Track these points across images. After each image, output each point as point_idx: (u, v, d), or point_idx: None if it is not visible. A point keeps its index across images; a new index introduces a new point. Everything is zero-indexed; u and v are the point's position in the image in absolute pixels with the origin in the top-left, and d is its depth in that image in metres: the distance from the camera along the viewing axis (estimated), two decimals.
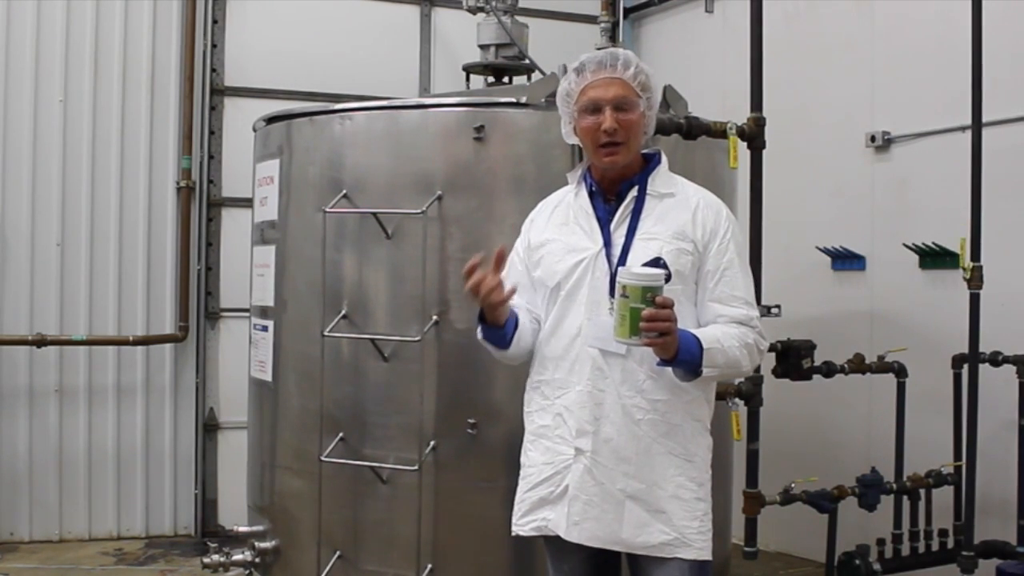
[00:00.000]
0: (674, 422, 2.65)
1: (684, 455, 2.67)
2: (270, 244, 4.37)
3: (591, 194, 2.78)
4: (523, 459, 2.82)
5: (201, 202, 6.27)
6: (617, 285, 2.45)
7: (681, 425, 2.66)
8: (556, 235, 2.78)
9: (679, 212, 2.71)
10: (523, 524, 2.77)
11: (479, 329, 2.78)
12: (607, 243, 2.69)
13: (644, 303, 2.41)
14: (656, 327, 2.42)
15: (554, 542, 2.76)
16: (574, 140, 2.80)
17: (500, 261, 2.63)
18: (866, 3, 5.54)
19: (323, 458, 3.93)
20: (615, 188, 2.75)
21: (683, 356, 2.53)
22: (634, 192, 2.73)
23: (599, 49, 2.81)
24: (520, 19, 4.91)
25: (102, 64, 6.07)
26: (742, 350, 2.64)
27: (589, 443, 2.64)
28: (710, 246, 2.68)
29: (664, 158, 2.82)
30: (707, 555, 2.65)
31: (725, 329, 2.63)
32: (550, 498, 2.71)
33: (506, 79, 4.90)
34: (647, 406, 2.63)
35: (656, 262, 2.60)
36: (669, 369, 2.60)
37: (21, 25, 5.91)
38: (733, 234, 2.74)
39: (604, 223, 2.72)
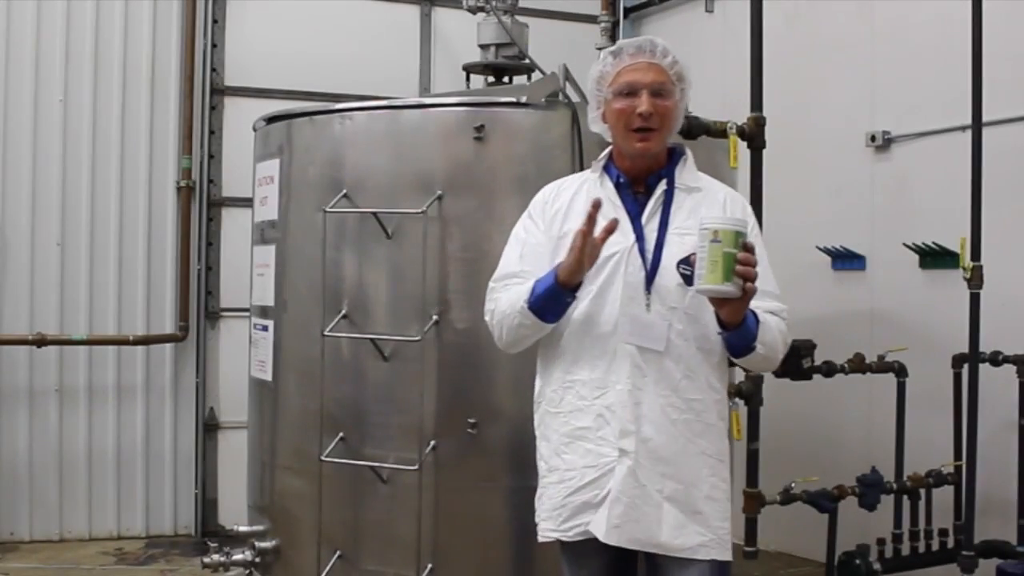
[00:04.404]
0: (708, 421, 2.62)
1: (717, 455, 2.64)
2: (270, 244, 4.37)
3: (617, 186, 2.69)
4: (555, 462, 2.68)
5: (201, 202, 6.27)
6: (705, 231, 2.38)
7: (714, 424, 2.63)
8: (579, 225, 2.60)
9: (710, 207, 2.65)
10: (566, 530, 2.65)
11: (544, 292, 2.56)
12: (639, 237, 2.61)
13: (737, 248, 2.36)
14: (749, 272, 2.37)
15: (573, 546, 2.68)
16: (600, 127, 2.72)
17: (611, 232, 2.49)
18: (866, 3, 5.54)
19: (323, 458, 3.92)
20: (643, 180, 2.68)
21: (748, 323, 2.50)
22: (663, 185, 2.66)
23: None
24: (520, 19, 4.90)
25: (102, 64, 6.07)
26: (780, 336, 2.63)
27: (632, 444, 2.56)
28: None
29: (689, 152, 2.76)
30: (730, 555, 2.64)
31: (766, 315, 2.60)
32: (593, 502, 2.60)
33: (506, 79, 4.89)
34: (683, 405, 2.58)
35: (688, 260, 2.53)
36: (705, 367, 2.59)
37: (21, 25, 5.91)
38: (757, 228, 2.71)
39: (634, 216, 2.64)
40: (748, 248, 2.38)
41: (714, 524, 2.59)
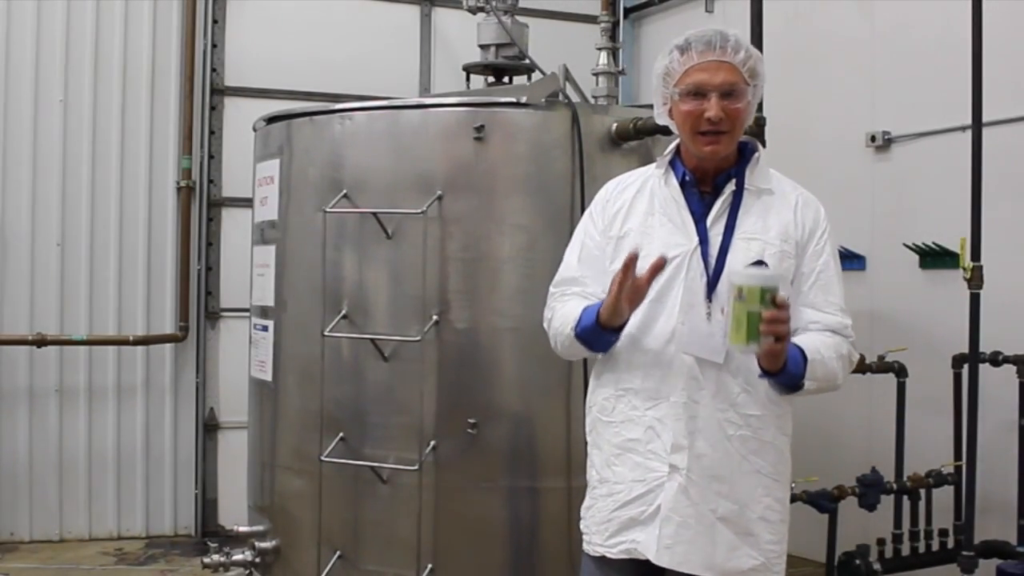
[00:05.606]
0: (765, 439, 2.49)
1: (773, 474, 2.51)
2: (270, 244, 4.37)
3: (682, 184, 2.53)
4: (607, 473, 2.56)
5: (201, 202, 6.27)
6: (730, 287, 2.25)
7: (772, 442, 2.50)
8: (640, 226, 2.53)
9: (780, 211, 2.51)
10: (611, 546, 2.53)
11: (589, 326, 2.48)
12: (703, 240, 2.45)
13: (763, 305, 2.21)
14: (777, 330, 2.22)
15: (599, 560, 2.57)
16: (666, 121, 2.56)
17: (658, 270, 2.36)
18: (866, 3, 5.54)
19: (323, 458, 3.93)
20: (711, 180, 2.51)
21: (790, 367, 2.35)
22: (732, 186, 2.49)
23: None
24: (520, 19, 4.90)
25: (102, 64, 6.07)
26: (839, 362, 2.47)
27: (684, 460, 2.42)
28: (807, 247, 2.51)
29: (761, 149, 2.59)
30: None
31: (821, 338, 2.45)
32: (640, 518, 2.48)
33: (506, 79, 4.89)
34: (740, 421, 2.45)
35: (757, 265, 2.40)
36: (765, 381, 2.43)
37: (21, 25, 5.92)
38: (830, 235, 2.56)
39: (698, 218, 2.48)
40: (779, 304, 2.22)
41: (766, 547, 2.48)
